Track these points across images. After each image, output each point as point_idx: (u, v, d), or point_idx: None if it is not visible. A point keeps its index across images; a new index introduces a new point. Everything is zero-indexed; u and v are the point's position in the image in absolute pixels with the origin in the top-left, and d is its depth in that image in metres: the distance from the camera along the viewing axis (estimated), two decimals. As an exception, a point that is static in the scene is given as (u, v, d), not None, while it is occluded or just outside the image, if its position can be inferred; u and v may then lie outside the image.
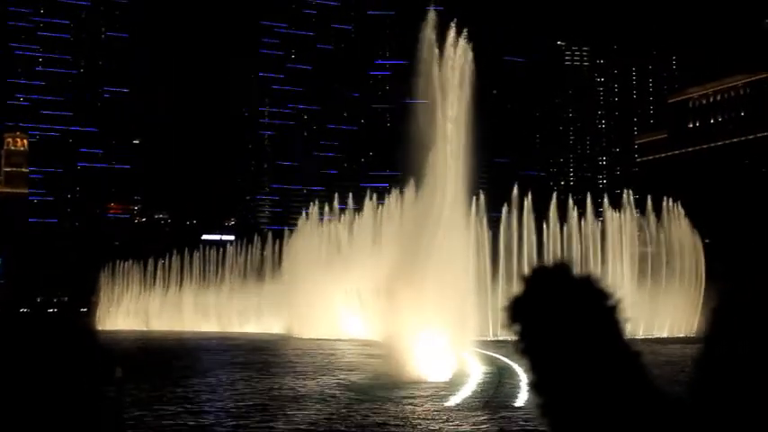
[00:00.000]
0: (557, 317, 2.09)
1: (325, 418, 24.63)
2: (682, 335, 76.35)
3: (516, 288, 2.19)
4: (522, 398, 27.53)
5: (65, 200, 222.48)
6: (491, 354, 44.78)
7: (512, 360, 39.10)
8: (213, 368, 42.79)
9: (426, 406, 27.65)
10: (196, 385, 33.94)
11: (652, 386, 2.06)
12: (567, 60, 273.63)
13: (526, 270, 2.19)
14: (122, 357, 43.80)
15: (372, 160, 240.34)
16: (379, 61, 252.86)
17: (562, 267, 2.14)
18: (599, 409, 2.02)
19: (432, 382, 34.54)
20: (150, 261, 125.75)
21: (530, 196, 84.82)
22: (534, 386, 2.12)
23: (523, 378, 31.61)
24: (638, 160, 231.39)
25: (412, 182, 52.39)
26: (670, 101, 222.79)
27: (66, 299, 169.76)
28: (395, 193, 79.41)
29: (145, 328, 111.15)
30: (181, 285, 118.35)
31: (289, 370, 42.32)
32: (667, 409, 2.02)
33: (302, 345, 65.88)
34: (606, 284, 2.15)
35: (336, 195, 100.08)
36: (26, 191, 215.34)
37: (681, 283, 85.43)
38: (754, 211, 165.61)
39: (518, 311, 2.14)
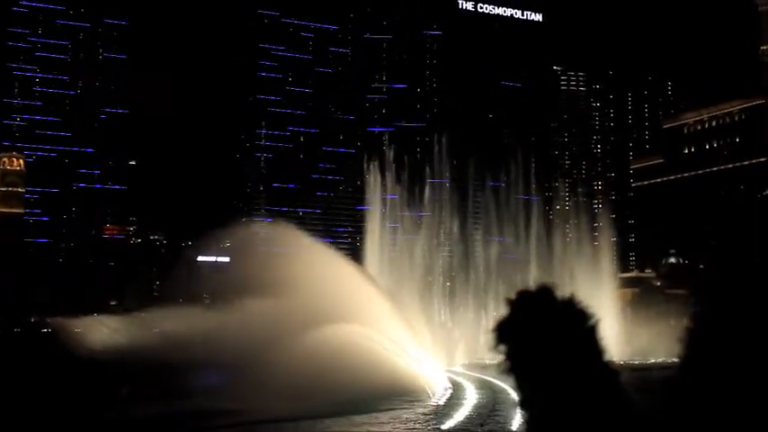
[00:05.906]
0: (540, 338, 2.13)
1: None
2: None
3: (502, 311, 2.26)
4: (518, 422, 27.33)
5: (60, 220, 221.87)
6: (487, 378, 44.60)
7: (507, 384, 38.90)
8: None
9: (418, 427, 27.47)
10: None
11: (627, 403, 2.11)
12: (563, 85, 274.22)
13: (512, 293, 2.22)
14: (130, 376, 43.60)
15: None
16: (376, 85, 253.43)
17: (545, 290, 2.17)
18: (578, 425, 2.06)
19: (427, 405, 34.33)
20: (145, 281, 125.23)
21: (524, 221, 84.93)
22: (521, 403, 2.22)
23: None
24: (634, 185, 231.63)
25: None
26: (665, 126, 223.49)
27: (60, 319, 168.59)
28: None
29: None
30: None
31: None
32: (640, 426, 2.07)
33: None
34: (587, 306, 2.20)
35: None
36: (22, 211, 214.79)
37: None
38: (748, 236, 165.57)
39: (503, 333, 2.20)
